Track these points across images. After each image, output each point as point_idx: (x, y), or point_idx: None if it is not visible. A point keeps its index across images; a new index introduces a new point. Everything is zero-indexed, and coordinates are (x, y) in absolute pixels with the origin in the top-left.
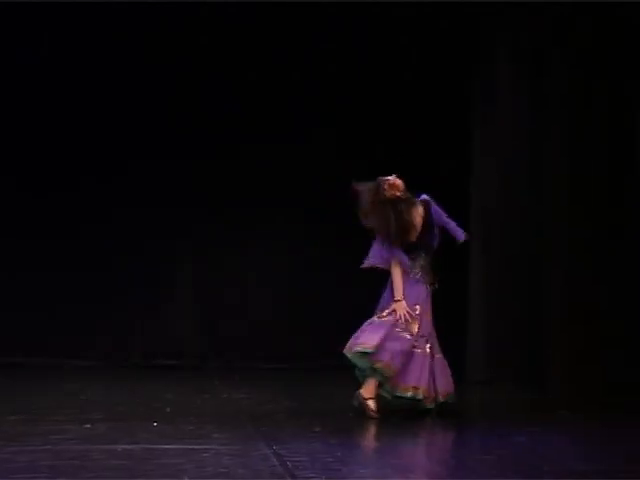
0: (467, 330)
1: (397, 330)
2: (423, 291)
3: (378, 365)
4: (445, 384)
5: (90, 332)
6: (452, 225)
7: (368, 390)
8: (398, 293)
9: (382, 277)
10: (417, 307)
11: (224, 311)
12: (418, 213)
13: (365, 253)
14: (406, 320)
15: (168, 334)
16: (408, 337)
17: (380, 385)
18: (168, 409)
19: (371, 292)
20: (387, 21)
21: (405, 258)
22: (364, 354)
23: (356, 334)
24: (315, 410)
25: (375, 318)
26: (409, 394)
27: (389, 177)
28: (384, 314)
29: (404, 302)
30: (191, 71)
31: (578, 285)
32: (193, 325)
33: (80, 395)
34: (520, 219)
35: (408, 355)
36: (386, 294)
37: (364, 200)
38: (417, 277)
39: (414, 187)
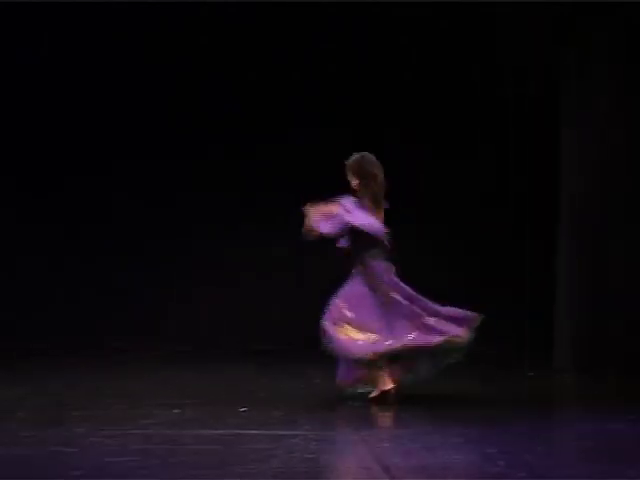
0: (555, 316)
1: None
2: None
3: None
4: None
5: (185, 318)
6: None
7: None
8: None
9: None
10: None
11: (313, 298)
12: None
13: None
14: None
15: (260, 319)
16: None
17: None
18: (259, 394)
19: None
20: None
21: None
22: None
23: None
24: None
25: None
26: None
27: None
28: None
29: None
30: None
31: None
32: (285, 310)
33: (174, 380)
34: (611, 204)
35: None
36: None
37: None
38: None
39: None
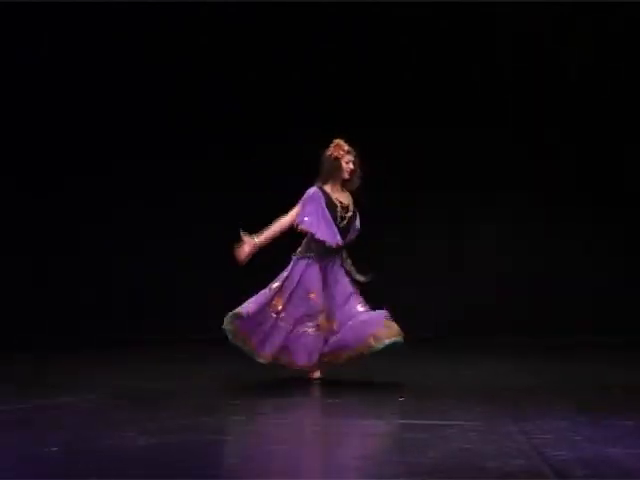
0: None
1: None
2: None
3: None
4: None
5: None
6: None
7: None
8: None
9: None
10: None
11: (467, 285)
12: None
13: None
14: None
15: (412, 308)
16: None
17: None
18: (413, 384)
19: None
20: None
21: None
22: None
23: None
24: (558, 387)
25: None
26: None
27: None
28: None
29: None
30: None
31: None
32: (437, 299)
33: (328, 370)
34: None
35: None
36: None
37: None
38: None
39: None
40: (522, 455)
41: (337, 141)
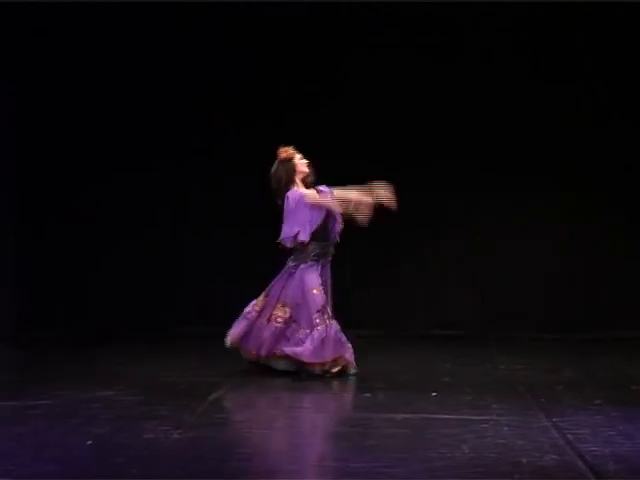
0: None
1: None
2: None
3: None
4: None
5: (371, 302)
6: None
7: None
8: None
9: None
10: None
11: (500, 281)
12: None
13: None
14: None
15: (446, 304)
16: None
17: None
18: (446, 379)
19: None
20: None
21: None
22: None
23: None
24: (594, 382)
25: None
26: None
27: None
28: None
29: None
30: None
31: None
32: (471, 295)
33: (361, 365)
34: None
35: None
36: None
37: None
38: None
39: None
40: (556, 450)
41: (281, 149)
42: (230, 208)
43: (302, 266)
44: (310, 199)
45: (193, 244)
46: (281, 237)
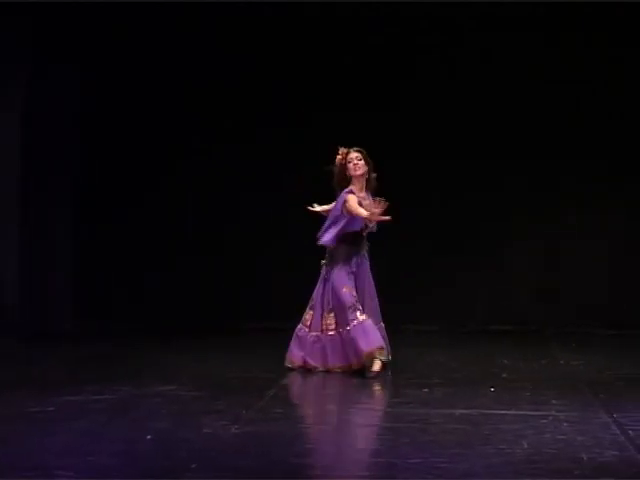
0: None
1: None
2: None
3: None
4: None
5: (430, 298)
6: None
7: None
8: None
9: None
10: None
11: (560, 276)
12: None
13: None
14: None
15: (505, 300)
16: None
17: None
18: (505, 375)
19: None
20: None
21: None
22: None
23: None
24: None
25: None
26: None
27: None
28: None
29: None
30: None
31: None
32: (530, 291)
33: (419, 360)
34: None
35: None
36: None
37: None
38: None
39: None
40: (617, 446)
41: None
42: (291, 207)
43: (334, 269)
44: (347, 206)
45: (253, 240)
46: (318, 235)
